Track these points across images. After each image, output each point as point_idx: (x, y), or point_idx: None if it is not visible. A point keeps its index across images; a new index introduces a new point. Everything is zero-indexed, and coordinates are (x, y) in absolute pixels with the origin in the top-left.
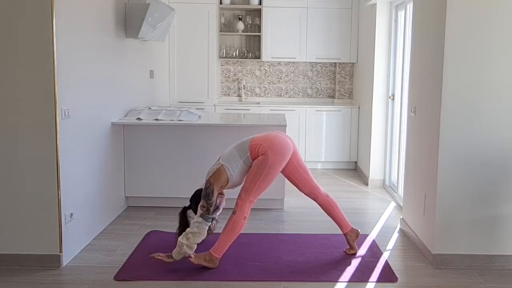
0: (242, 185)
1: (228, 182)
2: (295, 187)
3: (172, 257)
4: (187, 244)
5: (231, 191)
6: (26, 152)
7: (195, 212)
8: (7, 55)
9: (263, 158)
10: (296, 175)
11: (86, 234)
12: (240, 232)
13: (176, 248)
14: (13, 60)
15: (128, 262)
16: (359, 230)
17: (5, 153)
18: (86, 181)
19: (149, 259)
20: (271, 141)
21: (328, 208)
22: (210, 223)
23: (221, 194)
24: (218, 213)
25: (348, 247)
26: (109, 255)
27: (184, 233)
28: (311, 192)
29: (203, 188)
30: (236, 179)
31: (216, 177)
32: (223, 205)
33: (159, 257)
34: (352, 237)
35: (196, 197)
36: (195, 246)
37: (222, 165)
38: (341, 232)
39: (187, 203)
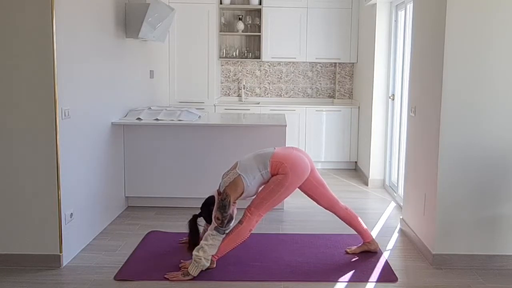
0: (253, 197)
1: (243, 193)
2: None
3: (189, 273)
4: (205, 257)
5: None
6: (26, 152)
7: (207, 220)
8: (7, 55)
9: (283, 178)
10: (314, 191)
11: (86, 234)
12: (243, 241)
13: (192, 263)
14: (13, 60)
15: (128, 262)
16: (378, 245)
17: (5, 153)
18: (86, 181)
19: (149, 259)
20: (294, 162)
21: (348, 220)
22: (223, 234)
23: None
24: (231, 224)
25: (349, 246)
26: (109, 255)
27: (198, 247)
28: (331, 206)
29: (216, 197)
30: (251, 191)
31: (233, 188)
32: (235, 213)
33: (175, 278)
34: (370, 248)
35: (207, 205)
36: (210, 258)
37: (239, 175)
38: (344, 233)
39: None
